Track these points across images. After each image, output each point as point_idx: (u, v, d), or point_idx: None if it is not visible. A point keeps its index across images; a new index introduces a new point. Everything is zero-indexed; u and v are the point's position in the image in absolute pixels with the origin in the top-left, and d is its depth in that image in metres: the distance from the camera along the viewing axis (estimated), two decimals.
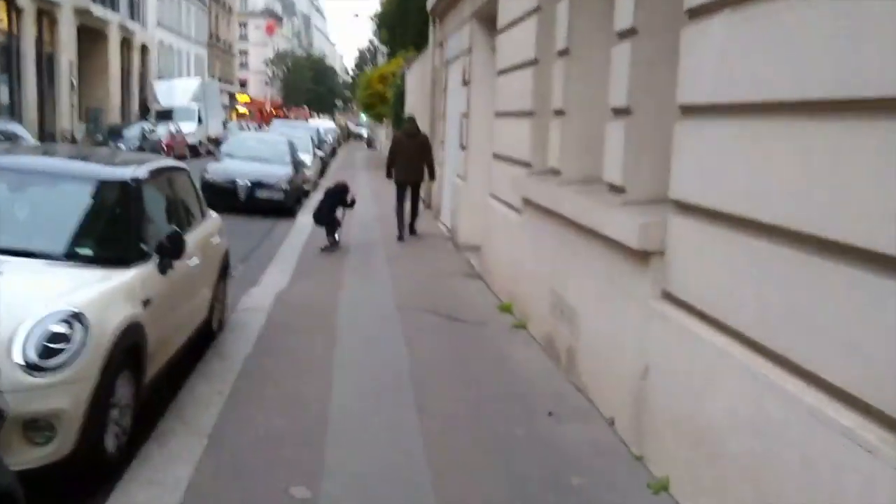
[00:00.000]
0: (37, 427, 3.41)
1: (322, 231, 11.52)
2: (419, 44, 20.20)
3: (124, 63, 39.05)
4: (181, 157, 30.46)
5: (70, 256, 4.31)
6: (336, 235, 11.63)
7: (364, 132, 41.37)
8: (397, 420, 4.69)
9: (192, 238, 5.56)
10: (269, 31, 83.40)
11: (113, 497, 3.56)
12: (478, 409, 4.95)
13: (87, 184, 4.79)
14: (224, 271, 6.70)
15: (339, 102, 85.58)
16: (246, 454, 4.06)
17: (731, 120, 3.36)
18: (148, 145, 27.34)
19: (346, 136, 50.15)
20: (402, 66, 24.23)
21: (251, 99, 72.31)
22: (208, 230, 6.27)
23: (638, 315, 4.23)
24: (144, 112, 39.83)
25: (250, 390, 5.02)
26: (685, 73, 3.78)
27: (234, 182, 15.41)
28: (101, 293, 3.94)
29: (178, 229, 4.80)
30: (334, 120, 68.49)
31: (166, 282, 4.66)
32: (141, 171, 5.00)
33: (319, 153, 24.92)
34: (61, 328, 3.53)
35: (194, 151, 33.72)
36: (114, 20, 36.18)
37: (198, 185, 6.90)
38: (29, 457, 3.39)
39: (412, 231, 12.62)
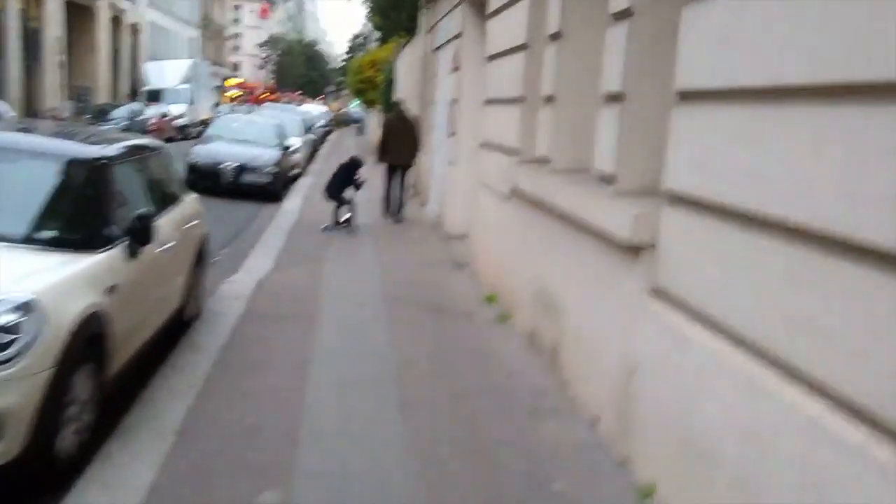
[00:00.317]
0: None
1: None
2: (411, 29, 19.96)
3: (114, 42, 38.57)
4: (170, 139, 30.23)
5: (30, 239, 4.04)
6: (342, 217, 11.44)
7: (360, 117, 41.03)
8: (376, 417, 4.49)
9: (166, 221, 5.34)
10: (263, 14, 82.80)
11: (67, 500, 3.34)
12: (459, 406, 4.75)
13: (53, 162, 4.51)
14: (201, 257, 6.47)
15: (331, 87, 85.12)
16: (214, 454, 3.84)
17: (734, 106, 3.14)
18: (136, 126, 27.01)
19: (338, 122, 49.74)
20: (392, 51, 23.96)
21: (244, 81, 71.82)
22: (185, 213, 6.02)
23: (626, 311, 4.03)
24: (134, 92, 39.40)
25: (223, 384, 4.81)
26: (684, 57, 3.56)
27: (219, 164, 15.14)
28: (61, 279, 3.69)
29: (147, 212, 4.53)
30: (326, 104, 68.10)
31: (135, 267, 4.43)
32: (111, 150, 4.76)
33: (309, 137, 24.61)
34: (11, 317, 3.27)
35: (183, 133, 33.42)
36: None
37: (177, 166, 6.67)
38: None
39: (399, 216, 12.80)
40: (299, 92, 75.84)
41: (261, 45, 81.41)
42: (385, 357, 5.58)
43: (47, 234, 4.17)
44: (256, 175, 15.27)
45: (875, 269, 2.28)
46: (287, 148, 17.60)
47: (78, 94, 34.40)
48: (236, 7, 79.97)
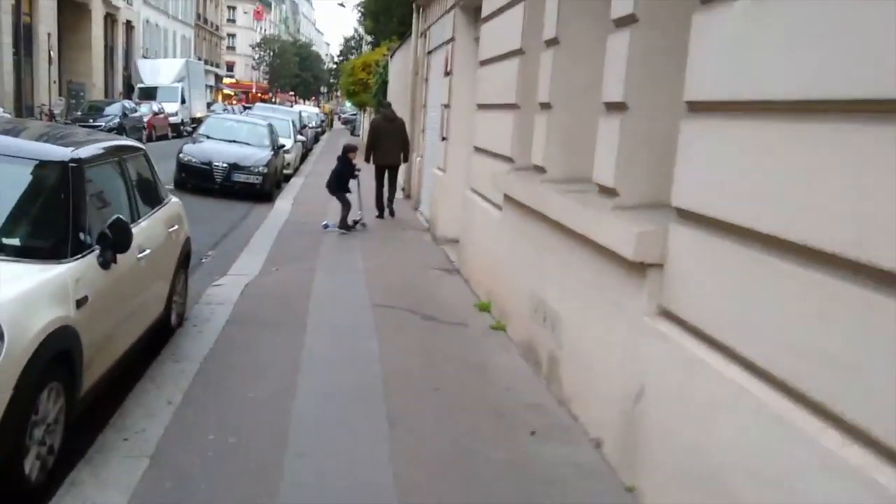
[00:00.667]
0: None
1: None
2: (403, 33, 19.85)
3: (108, 39, 38.37)
4: (163, 137, 30.06)
5: None
6: (351, 217, 11.37)
7: (353, 118, 40.87)
8: (364, 436, 4.25)
9: (145, 226, 5.12)
10: (258, 15, 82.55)
11: None
12: (451, 423, 4.52)
13: (19, 164, 4.20)
14: (185, 262, 6.24)
15: (323, 89, 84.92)
16: (190, 480, 3.58)
17: (751, 120, 2.92)
18: (128, 123, 26.74)
19: (331, 123, 49.58)
20: (385, 54, 23.82)
21: (238, 81, 71.64)
22: (166, 217, 5.79)
23: (630, 330, 3.81)
24: (129, 90, 39.11)
25: (204, 399, 4.58)
26: (695, 66, 3.35)
27: (210, 164, 14.99)
28: (21, 291, 3.40)
29: (122, 217, 4.26)
30: (319, 106, 68.00)
31: (109, 277, 4.18)
32: (84, 151, 4.48)
33: (301, 138, 24.40)
34: None
35: (176, 131, 33.25)
36: None
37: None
38: None
39: (391, 212, 12.99)
40: (292, 93, 75.64)
41: (254, 46, 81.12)
42: (374, 369, 5.36)
43: (10, 241, 3.87)
44: (247, 175, 15.13)
45: None
46: (279, 148, 17.41)
47: (70, 90, 34.11)
48: (231, 8, 79.70)
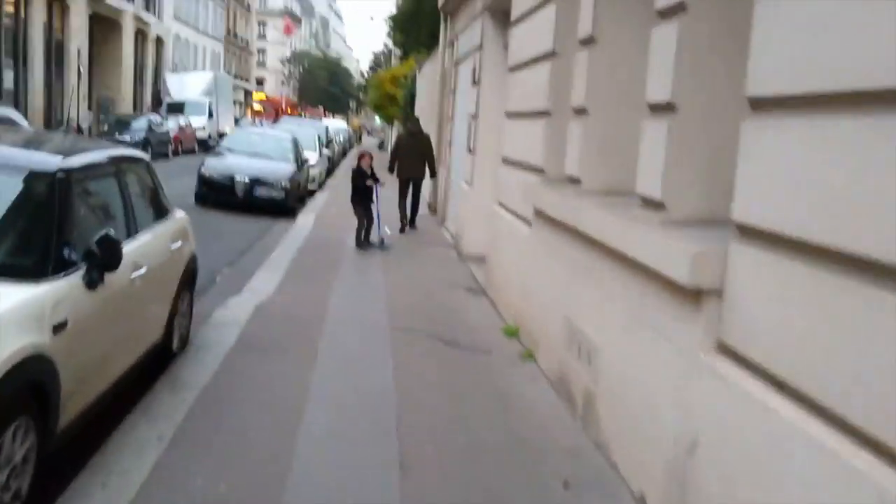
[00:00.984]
0: None
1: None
2: (431, 45, 19.55)
3: (138, 54, 38.69)
4: (189, 152, 30.03)
5: None
6: (374, 233, 10.99)
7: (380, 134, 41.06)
8: (373, 483, 3.78)
9: (141, 243, 4.69)
10: (288, 31, 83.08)
11: None
12: (472, 471, 4.02)
13: (3, 173, 3.82)
14: (189, 280, 5.81)
15: (352, 104, 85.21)
16: None
17: (832, 116, 2.41)
18: (154, 137, 26.68)
19: (360, 137, 49.65)
20: (413, 67, 23.55)
21: (267, 97, 72.09)
22: (169, 232, 5.36)
23: (681, 368, 3.29)
24: (158, 104, 39.27)
25: (197, 435, 4.12)
26: (758, 55, 2.84)
27: (231, 178, 14.69)
28: None
29: (110, 233, 3.84)
30: (347, 121, 68.25)
31: (95, 298, 3.75)
32: (74, 160, 4.08)
33: (327, 152, 24.10)
34: None
35: (204, 146, 33.23)
36: (128, 10, 35.79)
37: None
38: None
39: (412, 225, 13.11)
40: (321, 108, 76.03)
41: (284, 62, 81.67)
42: (388, 403, 4.87)
43: None
44: (270, 189, 14.82)
45: None
46: (303, 162, 17.09)
47: (100, 104, 34.30)
48: (261, 24, 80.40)
